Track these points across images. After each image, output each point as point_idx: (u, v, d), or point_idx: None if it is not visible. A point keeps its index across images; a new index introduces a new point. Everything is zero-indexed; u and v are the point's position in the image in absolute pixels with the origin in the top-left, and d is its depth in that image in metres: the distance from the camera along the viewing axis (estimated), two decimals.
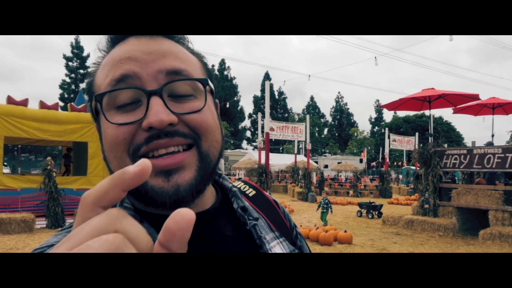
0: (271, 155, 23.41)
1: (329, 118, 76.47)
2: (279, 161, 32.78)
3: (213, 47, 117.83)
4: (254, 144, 64.02)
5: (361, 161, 43.48)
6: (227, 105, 32.26)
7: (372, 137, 62.52)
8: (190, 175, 0.59)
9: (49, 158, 10.27)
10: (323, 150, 60.33)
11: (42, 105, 11.16)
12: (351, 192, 23.54)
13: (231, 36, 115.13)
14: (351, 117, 76.27)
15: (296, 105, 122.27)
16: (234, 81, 68.59)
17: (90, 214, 0.32)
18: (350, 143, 59.68)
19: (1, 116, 10.35)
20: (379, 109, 74.64)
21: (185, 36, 0.68)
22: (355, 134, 61.30)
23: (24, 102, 10.82)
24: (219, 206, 0.71)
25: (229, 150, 48.90)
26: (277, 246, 0.68)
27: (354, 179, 24.23)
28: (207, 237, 0.64)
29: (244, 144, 68.58)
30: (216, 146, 0.64)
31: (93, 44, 0.69)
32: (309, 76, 16.61)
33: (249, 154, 33.57)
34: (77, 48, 52.84)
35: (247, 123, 70.86)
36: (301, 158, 31.05)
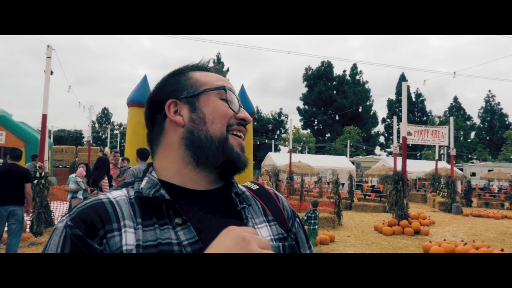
0: (408, 161, 21.82)
1: (476, 120, 67.68)
2: (417, 168, 30.68)
3: (344, 53, 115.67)
4: (388, 150, 60.84)
5: None
6: (360, 110, 31.36)
7: None
8: None
9: None
10: (469, 156, 53.95)
11: None
12: (506, 204, 20.50)
13: (363, 40, 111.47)
14: (505, 119, 65.83)
15: (437, 107, 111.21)
16: (366, 85, 66.38)
17: None
18: (505, 147, 51.93)
19: None
20: None
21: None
22: None
23: None
24: (221, 190, 0.87)
25: (360, 156, 47.33)
26: (264, 228, 0.84)
27: (511, 189, 21.01)
28: (205, 207, 0.80)
29: (377, 150, 65.74)
30: None
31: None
32: (454, 73, 15.00)
33: (383, 161, 31.98)
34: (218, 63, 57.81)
35: (380, 128, 67.79)
36: (443, 164, 28.28)
